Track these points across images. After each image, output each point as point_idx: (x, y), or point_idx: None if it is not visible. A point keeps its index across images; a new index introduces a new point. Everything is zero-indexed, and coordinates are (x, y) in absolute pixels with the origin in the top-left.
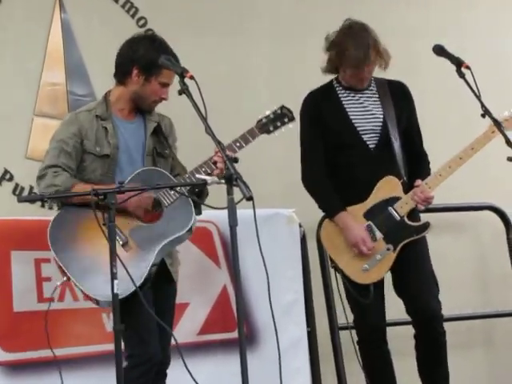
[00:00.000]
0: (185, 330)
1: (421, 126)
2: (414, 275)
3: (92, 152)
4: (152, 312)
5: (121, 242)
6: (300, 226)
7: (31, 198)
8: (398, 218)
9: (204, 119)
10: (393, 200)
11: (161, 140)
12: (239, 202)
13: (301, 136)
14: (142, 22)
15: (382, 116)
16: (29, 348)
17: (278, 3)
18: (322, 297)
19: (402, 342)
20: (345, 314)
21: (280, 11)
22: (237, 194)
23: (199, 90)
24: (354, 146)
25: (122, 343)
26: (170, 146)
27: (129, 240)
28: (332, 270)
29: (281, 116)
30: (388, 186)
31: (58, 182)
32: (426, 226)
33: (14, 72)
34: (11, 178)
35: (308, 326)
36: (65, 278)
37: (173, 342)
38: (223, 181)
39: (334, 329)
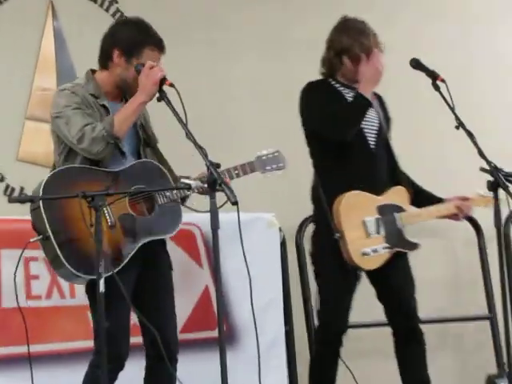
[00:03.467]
0: None
1: (394, 139)
2: (400, 280)
3: None
4: (132, 305)
5: (109, 223)
6: (280, 229)
7: (22, 199)
8: (399, 226)
9: (184, 125)
10: (399, 208)
11: (145, 129)
12: (222, 205)
13: (311, 104)
14: None
15: (377, 119)
16: (17, 343)
17: (261, 14)
18: (300, 298)
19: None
20: None
21: (262, 22)
22: (219, 197)
23: (179, 96)
24: (355, 145)
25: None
26: (152, 134)
27: (117, 224)
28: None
29: (274, 160)
30: (399, 194)
31: (98, 128)
32: (416, 246)
33: (6, 76)
34: (2, 179)
35: (286, 325)
36: (40, 237)
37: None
38: (206, 185)
39: (311, 329)
